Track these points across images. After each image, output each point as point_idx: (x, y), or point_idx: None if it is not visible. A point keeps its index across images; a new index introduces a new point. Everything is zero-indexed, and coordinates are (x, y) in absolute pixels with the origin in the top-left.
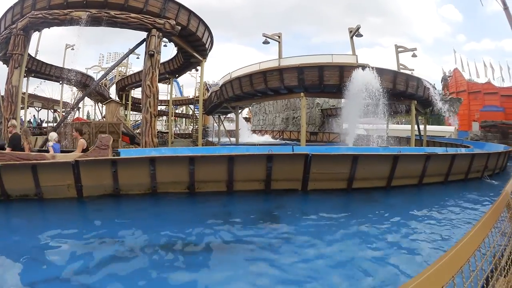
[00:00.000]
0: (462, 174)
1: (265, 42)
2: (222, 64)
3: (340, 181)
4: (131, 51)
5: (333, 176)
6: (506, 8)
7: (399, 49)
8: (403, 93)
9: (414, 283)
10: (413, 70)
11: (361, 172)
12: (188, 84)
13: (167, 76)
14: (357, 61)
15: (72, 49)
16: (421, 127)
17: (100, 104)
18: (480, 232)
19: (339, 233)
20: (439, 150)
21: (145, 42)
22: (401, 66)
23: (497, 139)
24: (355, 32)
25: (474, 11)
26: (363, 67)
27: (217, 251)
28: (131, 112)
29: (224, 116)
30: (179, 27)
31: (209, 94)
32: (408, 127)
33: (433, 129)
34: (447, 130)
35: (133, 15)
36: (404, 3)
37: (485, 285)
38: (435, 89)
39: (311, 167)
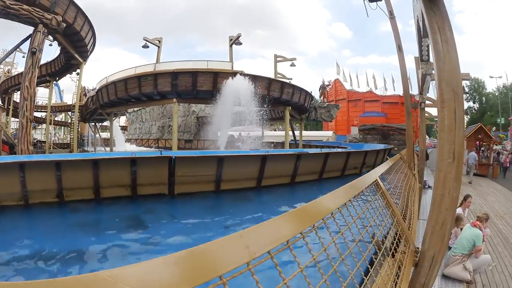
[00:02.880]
0: (338, 171)
1: (145, 46)
2: (106, 69)
3: (207, 183)
4: (16, 47)
5: (199, 178)
6: (392, 17)
7: (278, 59)
8: (278, 99)
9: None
10: (291, 79)
11: (229, 173)
12: (69, 89)
13: (48, 78)
14: (232, 68)
15: None
16: (298, 132)
17: None
18: (333, 199)
19: (206, 232)
20: (313, 151)
21: (30, 39)
22: (279, 75)
23: (378, 140)
24: (234, 40)
25: (365, 31)
26: (238, 73)
27: (84, 261)
28: (12, 119)
29: (100, 124)
30: (65, 24)
31: (85, 99)
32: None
33: (311, 134)
34: (325, 134)
35: (25, 6)
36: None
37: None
38: (312, 96)
39: (176, 170)
